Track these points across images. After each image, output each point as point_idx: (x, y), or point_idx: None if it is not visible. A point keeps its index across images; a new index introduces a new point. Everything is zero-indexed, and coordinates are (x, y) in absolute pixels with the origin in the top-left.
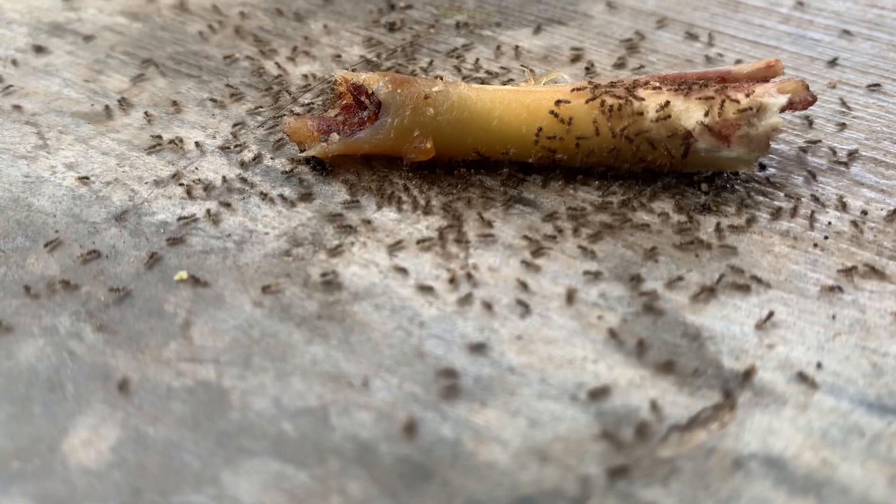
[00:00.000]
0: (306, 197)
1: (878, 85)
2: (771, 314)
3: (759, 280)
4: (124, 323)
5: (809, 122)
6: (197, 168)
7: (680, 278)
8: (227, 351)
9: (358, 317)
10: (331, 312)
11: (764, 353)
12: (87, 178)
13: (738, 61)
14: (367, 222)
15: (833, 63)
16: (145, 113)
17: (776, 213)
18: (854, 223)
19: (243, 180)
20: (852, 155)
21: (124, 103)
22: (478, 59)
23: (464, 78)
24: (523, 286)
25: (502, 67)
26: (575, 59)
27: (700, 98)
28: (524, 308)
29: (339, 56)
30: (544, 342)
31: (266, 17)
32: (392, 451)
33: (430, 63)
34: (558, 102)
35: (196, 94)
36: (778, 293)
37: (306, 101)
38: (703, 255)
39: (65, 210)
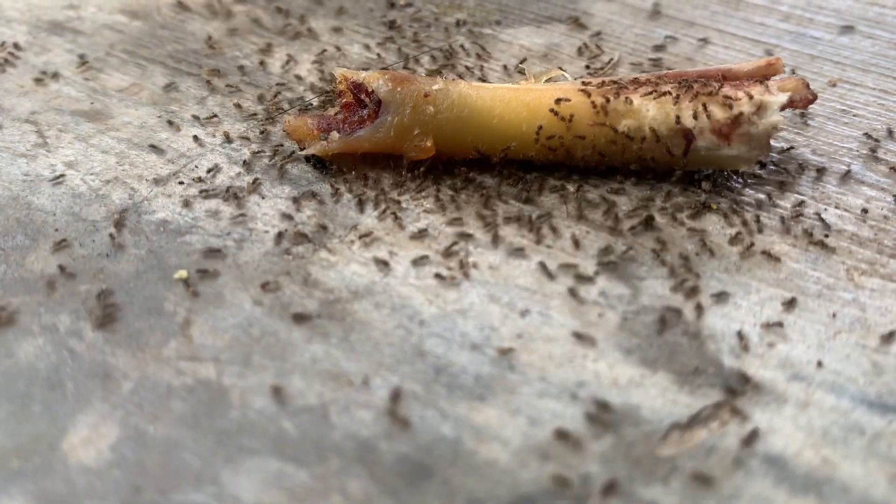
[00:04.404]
0: (306, 195)
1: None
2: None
3: (758, 278)
4: (124, 321)
5: (810, 120)
6: (197, 166)
7: (680, 276)
8: (227, 349)
9: (358, 315)
10: (331, 311)
11: (764, 351)
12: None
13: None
14: (367, 220)
15: None
16: (145, 111)
17: (776, 211)
18: (854, 221)
19: (243, 178)
20: (852, 153)
21: (125, 101)
22: (478, 57)
23: (464, 76)
24: (524, 284)
25: (502, 65)
26: (575, 57)
27: (701, 96)
28: (524, 306)
29: (339, 54)
30: (544, 340)
31: (266, 14)
32: (392, 449)
33: (431, 61)
34: (559, 101)
35: (196, 92)
36: (778, 291)
37: (306, 99)
38: (703, 254)
39: (64, 208)
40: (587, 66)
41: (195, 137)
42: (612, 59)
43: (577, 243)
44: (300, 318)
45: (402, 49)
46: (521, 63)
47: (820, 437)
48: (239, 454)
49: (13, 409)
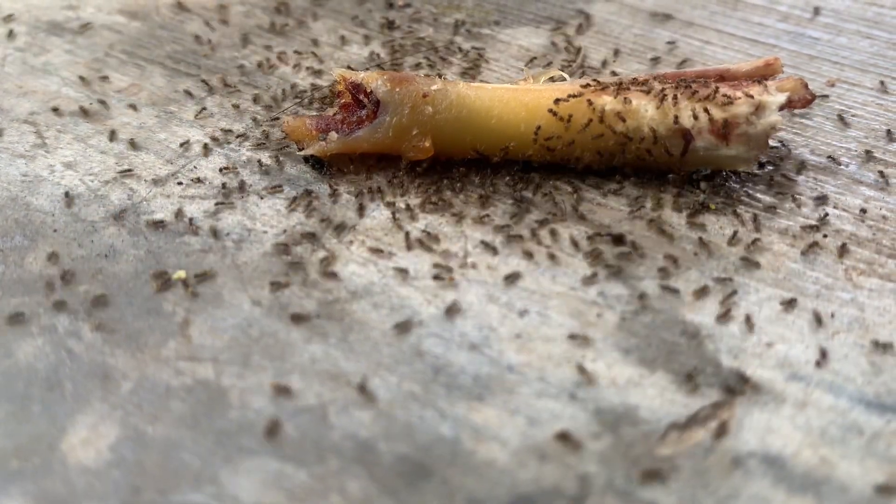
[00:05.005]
0: (305, 195)
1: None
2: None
3: (757, 278)
4: (123, 322)
5: (808, 121)
6: (195, 167)
7: (679, 277)
8: (226, 350)
9: (357, 315)
10: (329, 311)
11: (762, 351)
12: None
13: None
14: (366, 221)
15: None
16: (144, 112)
17: (775, 211)
18: (853, 221)
19: (241, 179)
20: (851, 153)
21: (124, 102)
22: (476, 58)
23: (462, 76)
24: (522, 285)
25: (501, 66)
26: (574, 57)
27: (698, 96)
28: (523, 306)
29: (337, 54)
30: (543, 340)
31: (265, 15)
32: (391, 449)
33: (429, 61)
34: (557, 101)
35: (195, 92)
36: (777, 291)
37: (305, 100)
38: (702, 254)
39: (63, 209)
40: (586, 67)
41: (193, 138)
42: (580, 50)
43: (575, 243)
44: (299, 319)
45: (400, 49)
46: (527, 64)
47: (818, 436)
48: (238, 454)
49: (12, 410)
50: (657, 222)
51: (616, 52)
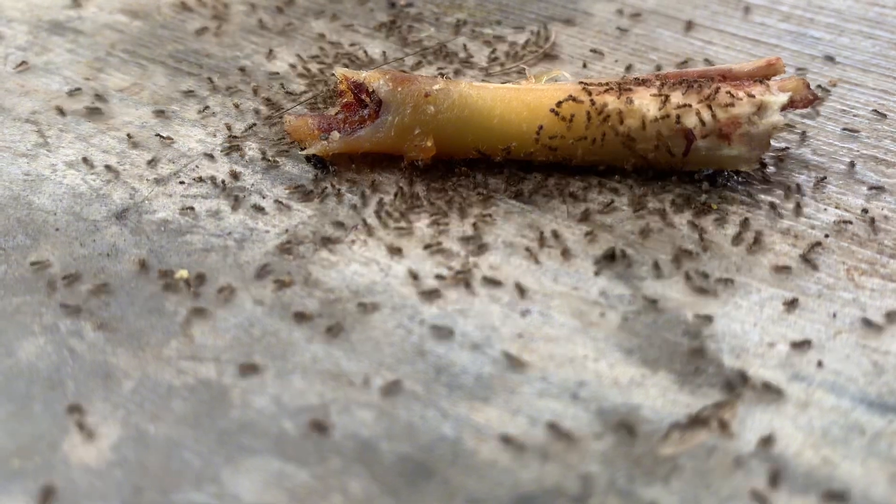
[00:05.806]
0: (307, 195)
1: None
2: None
3: (759, 278)
4: (125, 321)
5: (809, 120)
6: (197, 166)
7: (680, 276)
8: (228, 349)
9: (358, 315)
10: (331, 310)
11: (765, 351)
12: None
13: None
14: (368, 220)
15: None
16: (146, 111)
17: (777, 212)
18: (855, 221)
19: (244, 178)
20: (852, 153)
21: (125, 101)
22: (478, 57)
23: (464, 76)
24: (524, 284)
25: (503, 65)
26: (575, 57)
27: (700, 96)
28: (525, 306)
29: (339, 54)
30: (545, 340)
31: (267, 14)
32: (393, 449)
33: (431, 61)
34: (559, 102)
35: (197, 92)
36: (779, 291)
37: (307, 99)
38: (704, 254)
39: (65, 208)
40: (588, 67)
41: (196, 137)
42: (550, 40)
43: (577, 243)
44: (301, 318)
45: (402, 49)
46: (522, 63)
47: (820, 436)
48: (239, 454)
49: (14, 409)
50: (659, 222)
51: (616, 53)
